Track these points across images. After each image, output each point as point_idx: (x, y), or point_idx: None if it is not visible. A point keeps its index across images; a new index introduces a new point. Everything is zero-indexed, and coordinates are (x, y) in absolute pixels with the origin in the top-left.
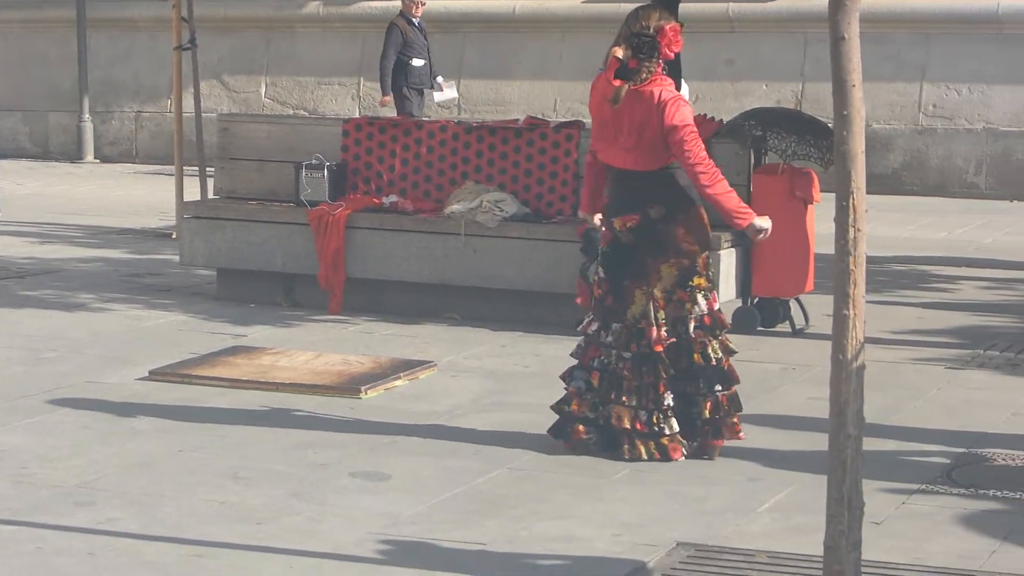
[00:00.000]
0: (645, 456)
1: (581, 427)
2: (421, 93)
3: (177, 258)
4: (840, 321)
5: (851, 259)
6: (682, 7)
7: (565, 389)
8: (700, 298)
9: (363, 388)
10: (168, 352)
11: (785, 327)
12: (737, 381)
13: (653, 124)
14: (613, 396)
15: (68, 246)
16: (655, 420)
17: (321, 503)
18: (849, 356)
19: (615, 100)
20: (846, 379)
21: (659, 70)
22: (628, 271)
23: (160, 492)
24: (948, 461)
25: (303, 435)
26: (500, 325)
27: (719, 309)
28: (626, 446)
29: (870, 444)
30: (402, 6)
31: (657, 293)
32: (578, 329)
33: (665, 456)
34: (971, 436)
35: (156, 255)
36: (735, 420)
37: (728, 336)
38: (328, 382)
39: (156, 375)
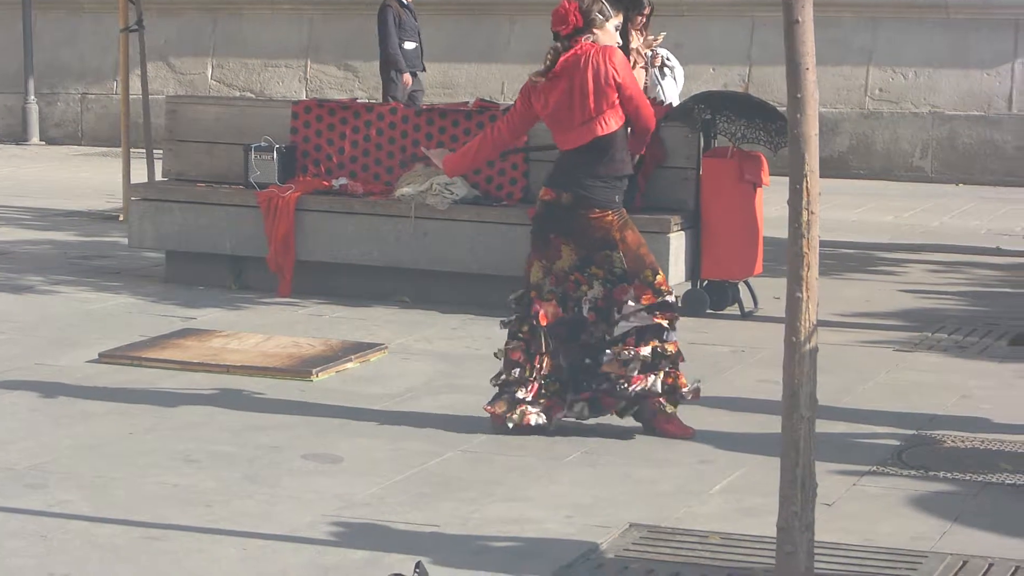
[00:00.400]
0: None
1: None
2: (413, 75)
3: (125, 240)
4: (793, 303)
5: (804, 242)
6: None
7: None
8: (597, 285)
9: (314, 370)
10: (118, 335)
11: (734, 310)
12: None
13: (589, 76)
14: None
15: (15, 228)
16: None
17: (273, 485)
18: (802, 338)
19: (544, 73)
20: (799, 361)
21: (579, 44)
22: (535, 241)
23: (112, 475)
24: (898, 443)
25: (255, 417)
26: (451, 308)
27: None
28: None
29: (820, 426)
30: None
31: (555, 269)
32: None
33: (519, 420)
34: (921, 418)
35: (104, 237)
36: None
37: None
38: (279, 364)
39: (106, 357)
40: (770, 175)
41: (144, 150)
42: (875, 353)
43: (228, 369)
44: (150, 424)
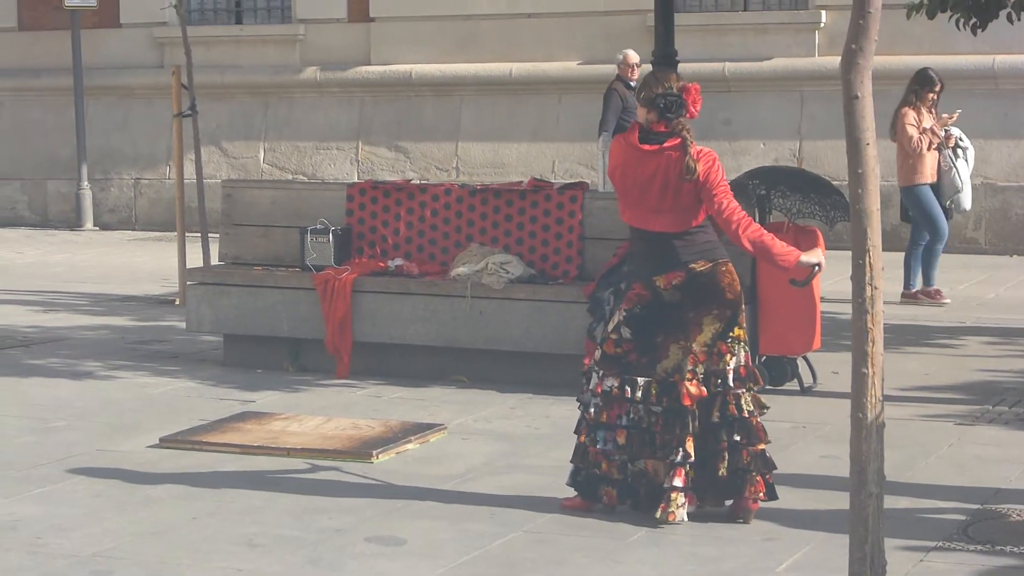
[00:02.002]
0: (677, 509)
1: (614, 492)
2: None
3: (182, 324)
4: (859, 380)
5: (869, 317)
6: (678, 68)
7: (585, 446)
8: (739, 349)
9: (375, 452)
10: (177, 419)
11: (793, 385)
12: (762, 440)
13: (689, 183)
14: (647, 451)
15: (72, 314)
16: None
17: (338, 569)
18: (869, 414)
19: (691, 172)
20: (866, 437)
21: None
22: (664, 327)
23: (176, 560)
24: (964, 517)
25: (316, 500)
26: (508, 387)
27: (754, 363)
28: (662, 505)
29: (885, 501)
30: (618, 70)
31: (696, 347)
32: (589, 387)
33: (665, 508)
34: (985, 492)
35: (160, 322)
36: (759, 479)
37: (748, 388)
38: (339, 447)
39: (167, 442)
40: (825, 249)
41: (199, 234)
42: (936, 427)
43: (288, 452)
44: (213, 508)
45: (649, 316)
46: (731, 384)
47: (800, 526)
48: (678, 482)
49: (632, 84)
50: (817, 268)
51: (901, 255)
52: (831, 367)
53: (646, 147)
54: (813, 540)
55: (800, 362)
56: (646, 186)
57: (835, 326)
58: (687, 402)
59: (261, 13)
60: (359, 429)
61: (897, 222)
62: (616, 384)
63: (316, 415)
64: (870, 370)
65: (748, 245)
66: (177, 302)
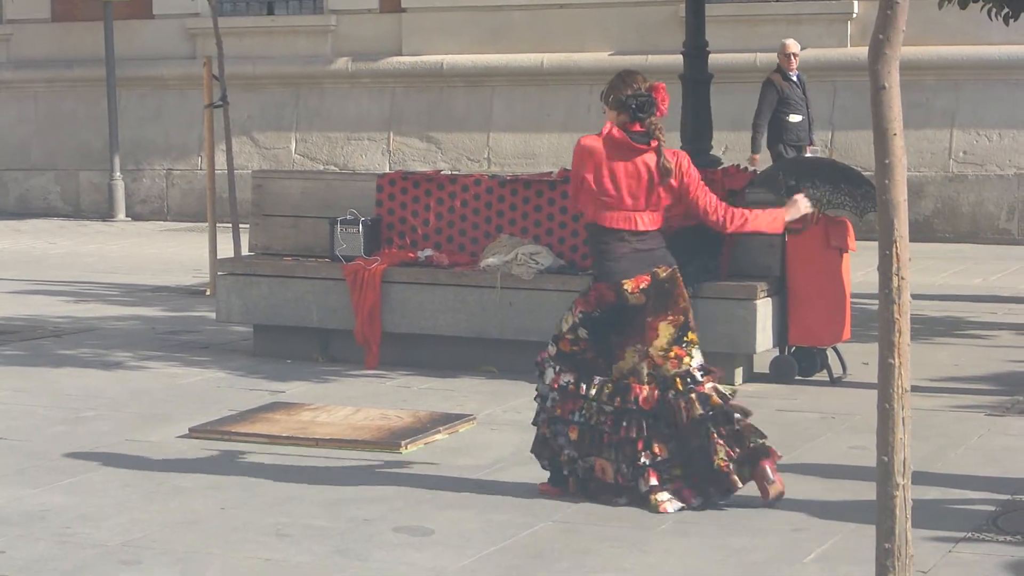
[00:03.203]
0: (665, 503)
1: (573, 481)
2: (799, 150)
3: (212, 315)
4: (886, 370)
5: (895, 307)
6: (709, 59)
7: (545, 437)
8: (695, 351)
9: (403, 442)
10: (207, 409)
11: (823, 376)
12: (744, 412)
13: (666, 184)
14: (595, 449)
15: (103, 304)
16: (631, 475)
17: (366, 559)
18: (895, 405)
19: (668, 173)
20: (892, 428)
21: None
22: (622, 330)
23: (205, 550)
24: (993, 508)
25: (345, 491)
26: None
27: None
28: (660, 503)
29: (913, 492)
30: (778, 60)
31: (652, 351)
32: (546, 381)
33: (653, 509)
34: (1015, 483)
35: (191, 312)
36: (770, 450)
37: (716, 380)
38: (368, 437)
39: (196, 432)
40: (855, 240)
41: (230, 225)
42: (966, 418)
43: (317, 442)
44: (241, 499)
45: (607, 319)
46: (700, 380)
47: (828, 517)
48: (654, 482)
49: (791, 75)
50: (809, 215)
51: (928, 246)
52: (861, 358)
53: (651, 155)
54: (841, 531)
55: (830, 353)
56: (625, 186)
57: (865, 317)
58: (646, 406)
59: (292, 4)
60: (388, 419)
61: (930, 212)
62: (572, 380)
63: (345, 405)
64: (896, 360)
65: (736, 231)
66: (208, 292)
